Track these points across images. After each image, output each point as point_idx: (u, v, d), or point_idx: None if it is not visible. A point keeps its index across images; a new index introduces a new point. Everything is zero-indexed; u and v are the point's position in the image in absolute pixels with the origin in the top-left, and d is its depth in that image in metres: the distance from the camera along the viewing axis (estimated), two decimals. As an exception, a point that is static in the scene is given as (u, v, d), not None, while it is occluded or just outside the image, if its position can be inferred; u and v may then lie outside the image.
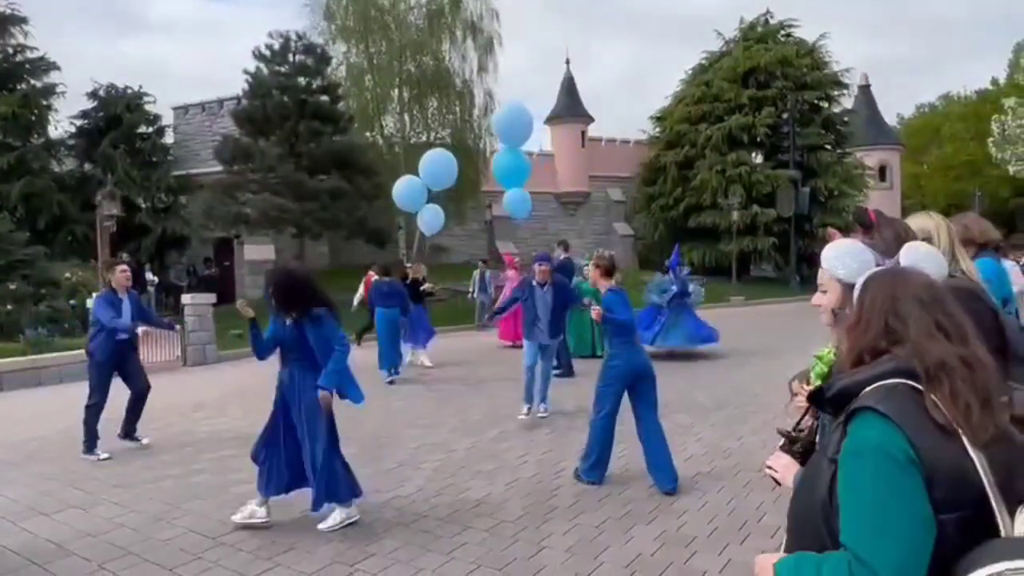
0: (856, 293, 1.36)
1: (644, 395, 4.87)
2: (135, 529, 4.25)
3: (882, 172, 35.72)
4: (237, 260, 22.79)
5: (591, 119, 30.52)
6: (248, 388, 9.38)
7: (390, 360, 9.38)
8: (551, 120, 29.88)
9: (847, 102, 30.40)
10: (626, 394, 4.89)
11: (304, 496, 4.78)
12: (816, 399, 1.30)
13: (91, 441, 6.01)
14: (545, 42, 78.31)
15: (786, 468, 1.57)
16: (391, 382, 9.21)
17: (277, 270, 4.73)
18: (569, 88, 30.54)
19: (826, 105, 28.96)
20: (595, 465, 4.87)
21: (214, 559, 3.77)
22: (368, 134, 23.42)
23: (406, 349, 10.37)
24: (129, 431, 6.34)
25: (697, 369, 9.76)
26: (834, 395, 1.23)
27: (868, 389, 1.18)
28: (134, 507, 4.66)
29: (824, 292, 1.71)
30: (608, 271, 5.18)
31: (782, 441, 1.68)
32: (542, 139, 30.06)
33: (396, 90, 23.47)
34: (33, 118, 21.32)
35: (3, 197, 18.41)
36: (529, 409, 6.91)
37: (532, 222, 29.78)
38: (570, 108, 29.86)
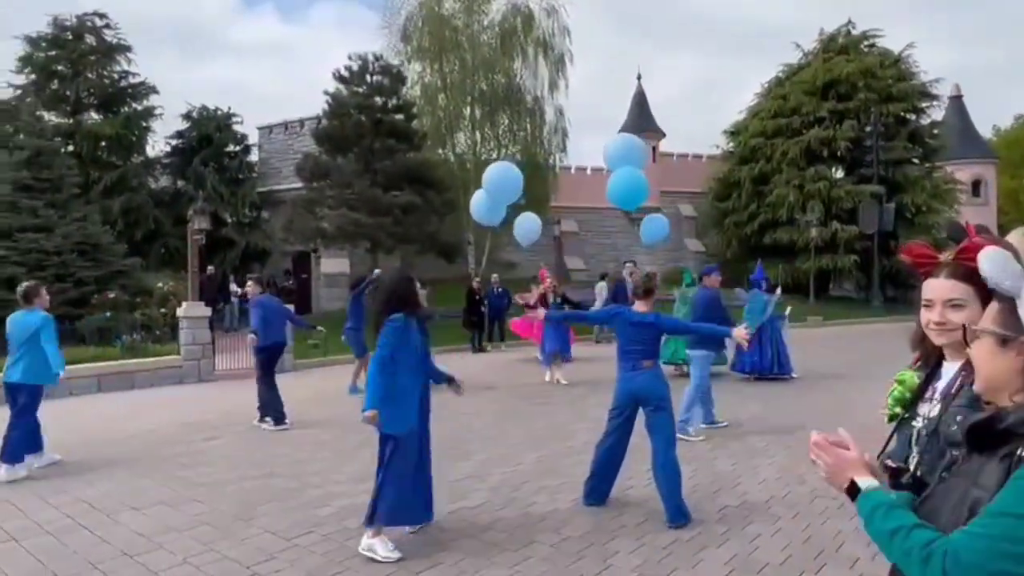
0: None
1: (648, 420, 4.68)
2: (216, 527, 4.46)
3: (975, 187, 33.70)
4: (314, 273, 23.66)
5: (662, 134, 30.21)
6: (323, 396, 9.71)
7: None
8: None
9: (937, 114, 28.86)
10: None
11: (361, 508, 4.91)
12: (979, 431, 1.20)
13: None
14: (614, 56, 78.24)
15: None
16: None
17: (402, 275, 4.41)
18: (640, 103, 30.36)
19: (913, 117, 27.56)
20: (591, 489, 4.79)
21: (289, 560, 3.92)
22: (440, 151, 23.92)
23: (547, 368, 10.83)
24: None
25: (772, 390, 9.43)
26: (1007, 427, 1.14)
27: None
28: (216, 506, 4.89)
29: (958, 307, 1.56)
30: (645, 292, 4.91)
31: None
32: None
33: (468, 108, 23.92)
34: (134, 139, 22.89)
35: (106, 211, 19.76)
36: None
37: (600, 238, 29.71)
38: (641, 123, 29.61)
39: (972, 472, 1.17)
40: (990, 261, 1.26)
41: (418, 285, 4.22)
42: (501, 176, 8.68)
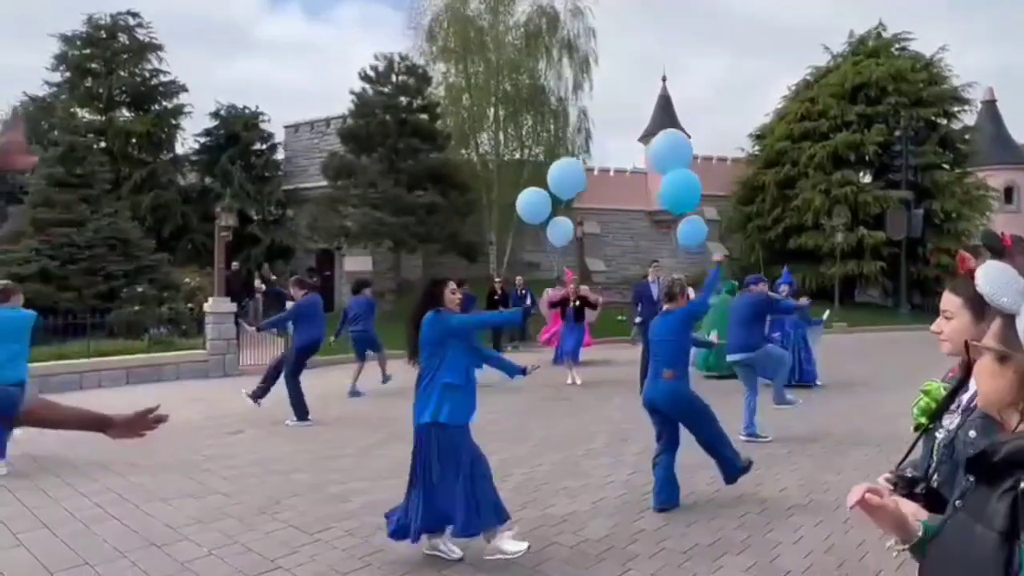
0: None
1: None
2: (241, 520, 4.54)
3: (1008, 194, 32.96)
4: (337, 271, 23.89)
5: (687, 136, 30.03)
6: (345, 393, 9.79)
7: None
8: (645, 137, 29.60)
9: (969, 118, 28.34)
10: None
11: (391, 501, 4.96)
12: (976, 464, 1.14)
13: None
14: (639, 57, 77.75)
15: (914, 515, 1.34)
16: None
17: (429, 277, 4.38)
18: (665, 105, 30.19)
19: (944, 122, 27.10)
20: (659, 498, 4.76)
21: (311, 554, 3.98)
22: (464, 151, 24.04)
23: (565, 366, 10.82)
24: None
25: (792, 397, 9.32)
26: (1002, 459, 1.07)
27: None
28: (240, 499, 4.98)
29: (948, 319, 1.60)
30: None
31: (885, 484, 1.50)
32: (635, 156, 29.86)
33: (492, 108, 24.00)
34: (164, 136, 23.32)
35: (136, 207, 20.13)
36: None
37: (623, 240, 29.58)
38: (665, 125, 29.30)
39: (978, 506, 1.11)
40: (987, 277, 1.24)
41: (451, 287, 3.98)
42: (565, 171, 8.84)
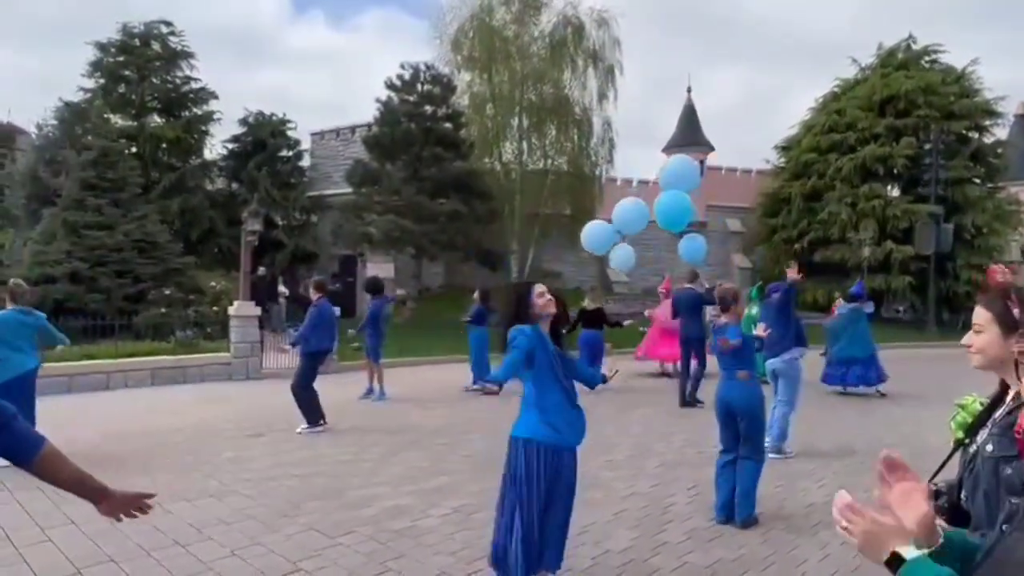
0: None
1: (741, 431, 4.80)
2: (263, 522, 4.56)
3: (1041, 209, 32.30)
4: (359, 277, 24.09)
5: (711, 148, 29.85)
6: (366, 399, 9.83)
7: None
8: (669, 149, 29.51)
9: (1001, 132, 27.87)
10: None
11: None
12: None
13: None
14: (665, 67, 77.58)
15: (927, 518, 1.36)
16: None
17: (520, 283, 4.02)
18: (689, 116, 30.07)
19: (976, 135, 26.67)
20: (719, 506, 4.76)
21: (332, 558, 3.99)
22: (487, 160, 24.10)
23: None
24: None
25: (818, 412, 9.17)
26: None
27: None
28: (261, 501, 5.01)
29: (978, 332, 1.59)
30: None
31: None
32: (658, 167, 29.72)
33: (516, 118, 24.05)
34: (193, 142, 23.77)
35: (164, 211, 20.49)
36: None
37: (644, 250, 29.42)
38: (689, 136, 29.34)
39: None
40: None
41: (536, 291, 3.53)
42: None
